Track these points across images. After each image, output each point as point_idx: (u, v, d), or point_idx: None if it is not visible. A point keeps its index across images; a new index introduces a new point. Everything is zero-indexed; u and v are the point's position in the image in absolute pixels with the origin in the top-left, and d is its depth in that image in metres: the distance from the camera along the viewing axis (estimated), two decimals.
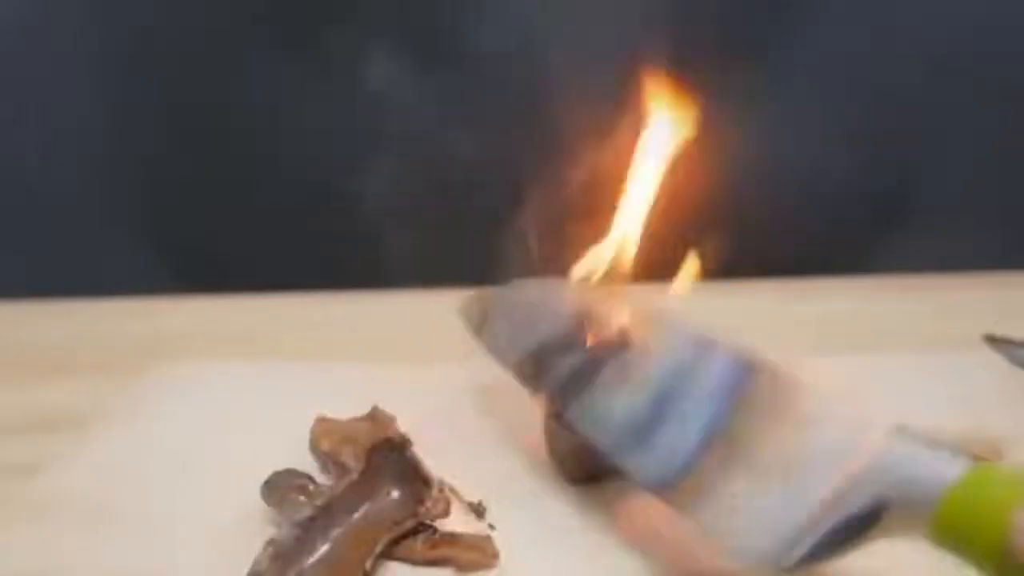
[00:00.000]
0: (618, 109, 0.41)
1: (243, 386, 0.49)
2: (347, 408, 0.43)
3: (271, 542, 0.34)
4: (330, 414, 0.43)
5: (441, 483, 0.37)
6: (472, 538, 0.35)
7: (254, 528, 0.37)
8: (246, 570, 0.33)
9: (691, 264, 0.41)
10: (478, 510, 0.37)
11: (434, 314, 0.61)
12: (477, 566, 0.35)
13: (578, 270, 0.42)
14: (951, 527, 0.27)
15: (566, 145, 0.44)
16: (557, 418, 0.39)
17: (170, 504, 0.39)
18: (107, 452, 0.44)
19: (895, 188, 0.69)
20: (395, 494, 0.37)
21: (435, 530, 0.36)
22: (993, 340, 0.50)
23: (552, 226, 0.41)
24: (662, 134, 0.41)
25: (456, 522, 0.37)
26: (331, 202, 0.69)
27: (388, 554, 0.35)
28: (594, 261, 0.42)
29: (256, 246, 0.70)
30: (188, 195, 0.70)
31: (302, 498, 0.37)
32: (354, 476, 0.37)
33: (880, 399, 0.43)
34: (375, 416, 0.41)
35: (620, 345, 0.38)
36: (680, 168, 0.42)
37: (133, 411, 0.48)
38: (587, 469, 0.39)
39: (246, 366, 0.52)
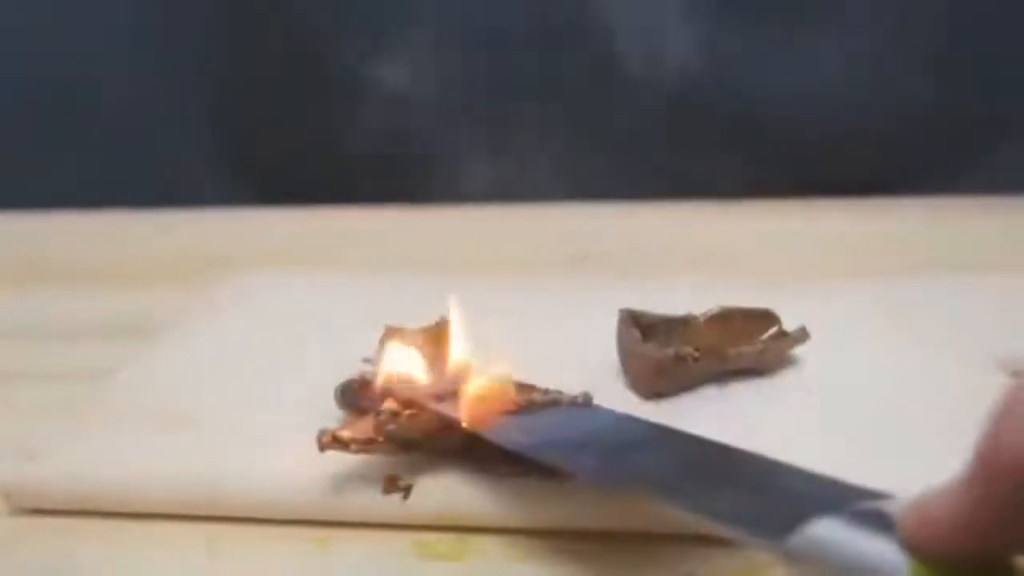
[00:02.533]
0: None
1: (318, 294, 0.49)
2: (421, 319, 0.42)
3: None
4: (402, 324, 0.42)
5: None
6: None
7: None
8: (319, 472, 0.34)
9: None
10: None
11: (509, 228, 0.61)
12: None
13: None
14: None
15: None
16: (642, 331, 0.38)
17: (245, 408, 0.39)
18: (184, 357, 0.44)
19: (975, 107, 0.67)
20: None
21: None
22: None
23: None
24: None
25: None
26: (404, 117, 0.69)
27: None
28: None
29: (334, 159, 0.70)
30: (265, 107, 0.70)
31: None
32: None
33: (958, 320, 0.43)
34: (443, 326, 0.41)
35: None
36: None
37: (209, 317, 0.48)
38: (661, 385, 0.38)
39: (322, 275, 0.52)
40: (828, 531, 0.23)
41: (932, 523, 0.22)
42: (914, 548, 0.22)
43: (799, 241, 0.58)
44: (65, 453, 0.37)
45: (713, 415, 0.37)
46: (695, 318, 0.41)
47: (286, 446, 0.36)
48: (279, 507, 0.35)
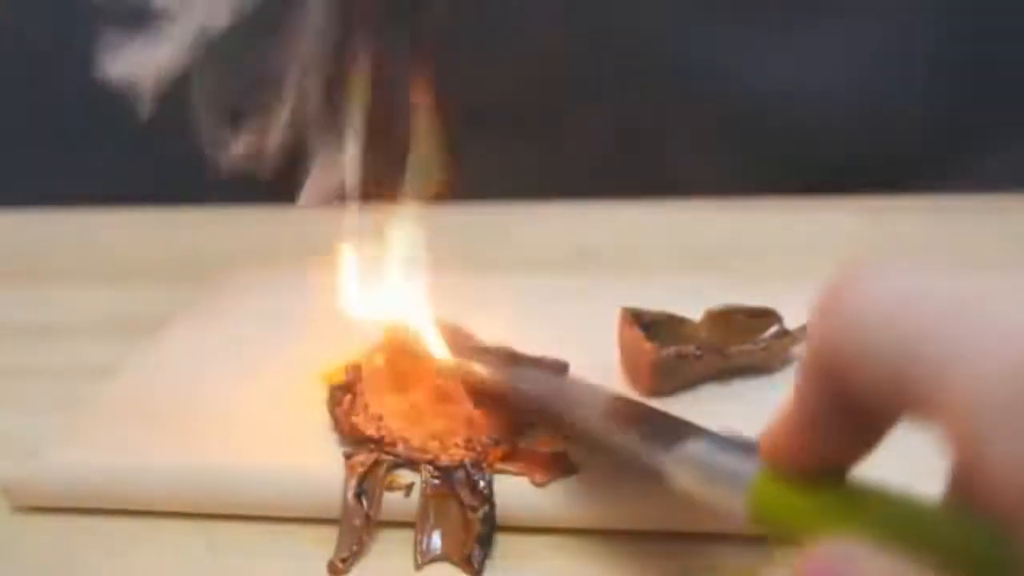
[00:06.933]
0: None
1: (321, 292, 0.49)
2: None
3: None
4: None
5: None
6: (546, 454, 0.35)
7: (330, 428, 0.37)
8: (320, 470, 0.34)
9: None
10: None
11: (509, 226, 0.61)
12: (553, 478, 0.34)
13: None
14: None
15: None
16: (643, 329, 0.38)
17: (246, 406, 0.39)
18: (184, 355, 0.44)
19: (975, 107, 0.67)
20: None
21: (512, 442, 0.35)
22: None
23: None
24: None
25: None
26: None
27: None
28: None
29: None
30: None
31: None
32: None
33: None
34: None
35: None
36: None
37: (210, 315, 0.48)
38: (662, 383, 0.38)
39: (324, 273, 0.52)
40: (699, 448, 0.27)
41: (772, 429, 0.23)
42: (764, 458, 0.23)
43: (800, 239, 0.58)
44: (65, 451, 0.37)
45: (714, 413, 0.37)
46: (696, 316, 0.41)
47: (286, 444, 0.36)
48: (279, 505, 0.34)
